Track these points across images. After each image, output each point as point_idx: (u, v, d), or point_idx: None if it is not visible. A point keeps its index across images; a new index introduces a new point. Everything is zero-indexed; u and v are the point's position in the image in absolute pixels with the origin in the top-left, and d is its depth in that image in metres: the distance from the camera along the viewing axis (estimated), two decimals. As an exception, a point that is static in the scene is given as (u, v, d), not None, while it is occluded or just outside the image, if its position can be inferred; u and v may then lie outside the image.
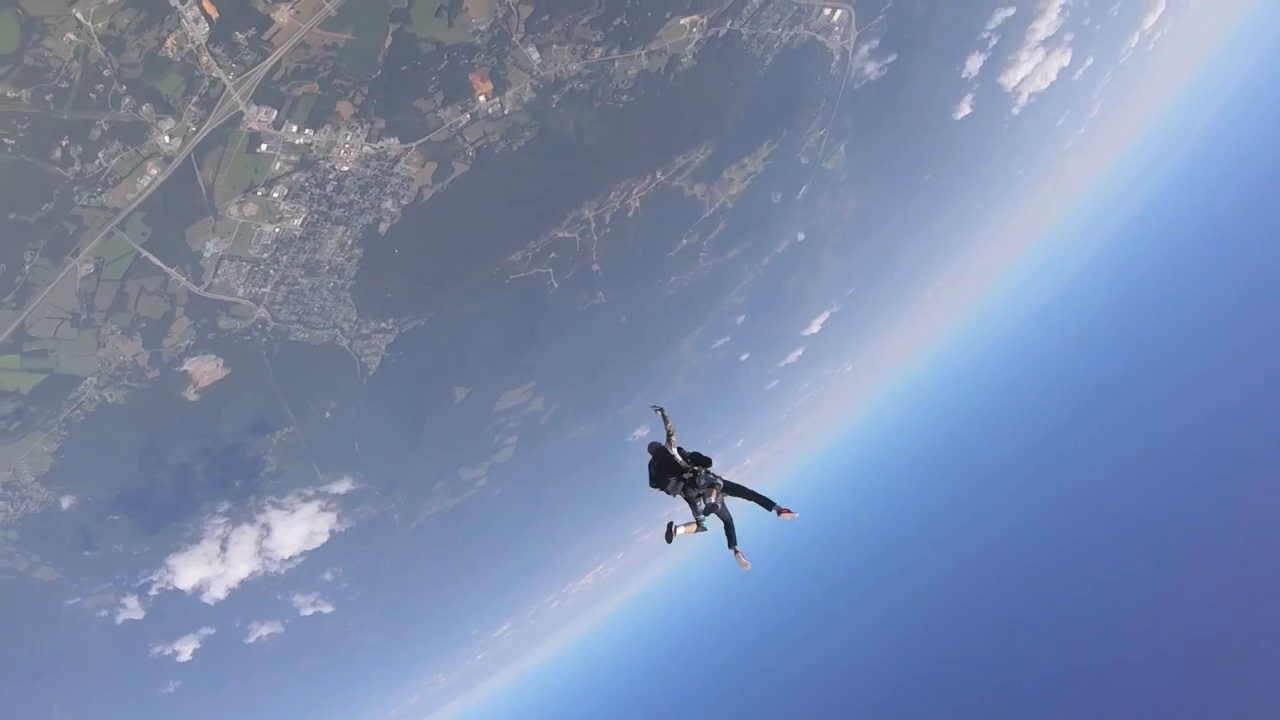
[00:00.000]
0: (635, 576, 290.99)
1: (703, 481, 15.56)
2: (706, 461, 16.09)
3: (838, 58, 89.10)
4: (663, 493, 16.22)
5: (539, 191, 77.57)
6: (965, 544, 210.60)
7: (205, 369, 69.30)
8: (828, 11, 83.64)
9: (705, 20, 72.73)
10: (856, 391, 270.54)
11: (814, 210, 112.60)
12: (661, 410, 17.26)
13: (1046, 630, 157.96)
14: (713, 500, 15.56)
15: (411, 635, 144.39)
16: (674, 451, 16.25)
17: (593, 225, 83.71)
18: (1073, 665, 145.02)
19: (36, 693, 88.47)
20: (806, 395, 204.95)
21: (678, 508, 16.22)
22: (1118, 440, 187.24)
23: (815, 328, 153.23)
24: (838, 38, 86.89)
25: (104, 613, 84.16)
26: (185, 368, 68.14)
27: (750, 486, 15.91)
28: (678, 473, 15.84)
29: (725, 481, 15.72)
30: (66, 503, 70.77)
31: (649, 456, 16.79)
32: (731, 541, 15.84)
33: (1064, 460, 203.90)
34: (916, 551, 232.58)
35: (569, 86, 69.76)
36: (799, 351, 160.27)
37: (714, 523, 16.00)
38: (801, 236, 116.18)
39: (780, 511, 15.39)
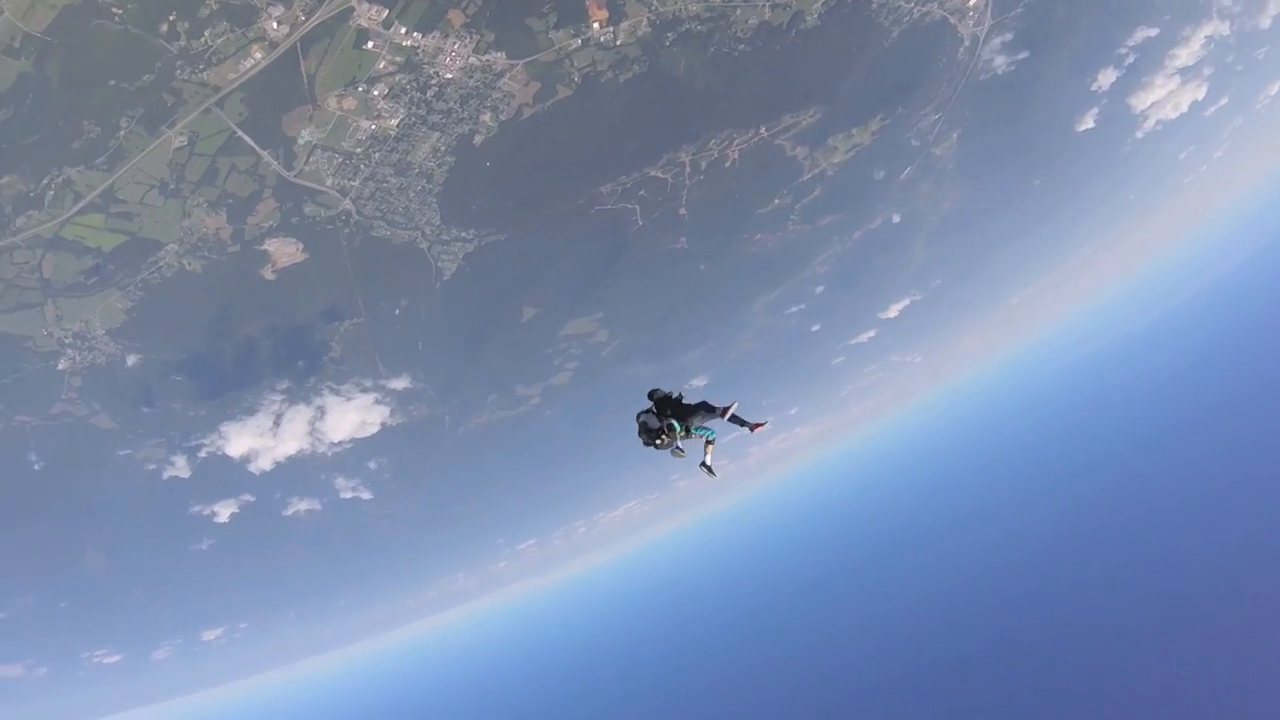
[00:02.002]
0: (666, 519, 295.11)
1: (680, 429, 15.78)
2: (666, 399, 16.35)
3: (967, 43, 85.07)
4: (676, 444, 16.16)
5: (639, 127, 76.13)
6: (998, 553, 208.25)
7: (285, 251, 70.31)
8: (966, -7, 79.83)
9: (837, -20, 69.94)
10: (921, 384, 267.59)
11: (915, 194, 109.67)
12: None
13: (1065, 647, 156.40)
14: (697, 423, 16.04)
15: (441, 533, 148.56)
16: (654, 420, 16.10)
17: (687, 169, 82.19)
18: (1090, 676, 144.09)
19: (74, 531, 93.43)
20: (871, 378, 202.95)
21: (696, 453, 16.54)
22: (1172, 487, 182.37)
23: (893, 313, 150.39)
24: (970, 23, 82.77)
25: (152, 466, 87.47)
26: (266, 247, 69.11)
27: (712, 404, 16.34)
28: (657, 431, 15.83)
29: (686, 421, 15.97)
30: (132, 359, 72.76)
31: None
32: (741, 422, 16.26)
33: (1112, 492, 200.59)
34: (946, 549, 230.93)
35: (686, 27, 67.87)
36: (871, 333, 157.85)
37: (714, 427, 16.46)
38: (897, 218, 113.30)
39: (754, 427, 16.24)
